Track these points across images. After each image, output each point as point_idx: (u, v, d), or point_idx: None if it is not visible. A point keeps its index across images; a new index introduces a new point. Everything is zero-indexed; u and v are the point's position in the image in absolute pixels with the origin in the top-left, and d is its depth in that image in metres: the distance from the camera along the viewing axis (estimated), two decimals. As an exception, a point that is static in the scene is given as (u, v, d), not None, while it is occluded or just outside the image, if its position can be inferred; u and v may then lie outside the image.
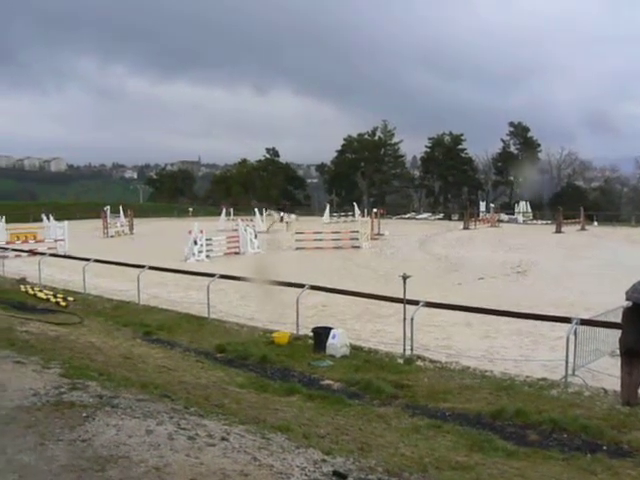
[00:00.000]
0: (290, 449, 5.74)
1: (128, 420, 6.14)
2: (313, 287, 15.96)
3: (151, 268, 20.37)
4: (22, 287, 23.07)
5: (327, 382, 11.45)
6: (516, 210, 75.31)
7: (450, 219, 77.25)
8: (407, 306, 13.38)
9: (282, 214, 62.00)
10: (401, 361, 12.81)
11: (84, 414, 6.22)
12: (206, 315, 17.31)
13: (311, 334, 14.19)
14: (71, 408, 6.42)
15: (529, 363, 12.50)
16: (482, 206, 74.91)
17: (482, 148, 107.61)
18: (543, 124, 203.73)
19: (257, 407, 8.57)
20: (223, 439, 5.81)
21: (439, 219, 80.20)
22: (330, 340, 13.35)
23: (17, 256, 31.98)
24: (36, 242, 37.86)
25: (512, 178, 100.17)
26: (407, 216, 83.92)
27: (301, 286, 15.92)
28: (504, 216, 72.24)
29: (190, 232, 34.29)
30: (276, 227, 54.57)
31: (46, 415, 6.18)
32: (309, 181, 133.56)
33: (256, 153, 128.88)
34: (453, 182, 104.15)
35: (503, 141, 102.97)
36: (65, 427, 5.82)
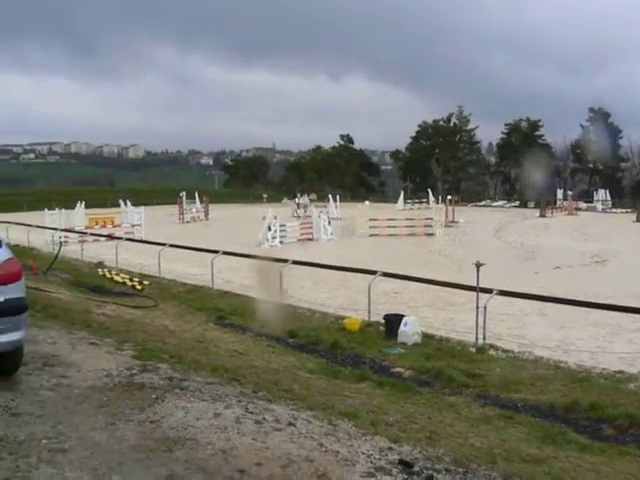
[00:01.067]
0: (357, 436, 5.70)
1: (197, 403, 6.20)
2: (385, 274, 15.87)
3: (225, 253, 20.59)
4: (100, 271, 23.61)
5: (398, 370, 11.36)
6: (595, 198, 73.62)
7: (526, 207, 75.85)
8: (480, 294, 13.19)
9: (298, 201, 59.10)
10: (473, 350, 12.65)
11: (154, 396, 6.31)
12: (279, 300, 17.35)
13: (383, 321, 14.13)
14: (141, 389, 6.52)
15: (606, 355, 12.20)
16: (559, 194, 73.29)
17: (560, 134, 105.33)
18: (625, 110, 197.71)
19: (326, 393, 8.55)
20: (290, 424, 5.81)
21: (515, 207, 78.97)
22: (402, 327, 13.26)
23: (95, 240, 32.71)
24: (114, 227, 38.67)
25: (591, 165, 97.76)
26: (482, 203, 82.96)
27: (373, 273, 15.86)
28: (582, 204, 70.69)
29: (264, 218, 34.52)
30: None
31: (117, 396, 6.28)
32: (383, 168, 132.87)
33: (330, 140, 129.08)
34: (530, 169, 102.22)
35: (582, 127, 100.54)
36: (135, 408, 5.90)
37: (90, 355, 8.11)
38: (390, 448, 5.41)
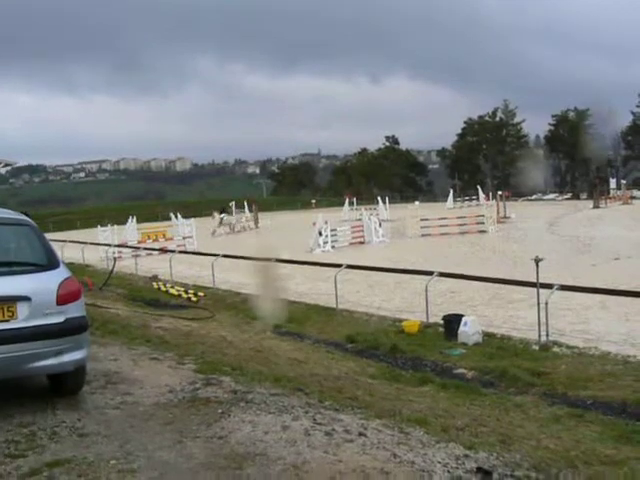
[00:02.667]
0: (430, 444, 5.53)
1: (263, 416, 6.09)
2: (442, 274, 15.65)
3: (278, 261, 20.52)
4: (155, 284, 23.77)
5: (460, 371, 11.15)
6: (650, 185, 72.11)
7: (578, 198, 74.72)
8: (540, 290, 12.89)
9: (222, 215, 54.63)
10: (536, 347, 12.35)
11: (219, 410, 6.23)
12: (334, 306, 17.23)
13: (441, 322, 13.92)
14: (207, 404, 6.44)
15: (676, 347, 11.80)
16: (612, 183, 71.90)
17: (610, 122, 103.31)
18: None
19: (390, 398, 8.40)
20: (360, 434, 5.67)
21: (567, 199, 77.82)
22: (461, 327, 13.03)
23: (149, 254, 32.98)
24: (166, 240, 39.03)
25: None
26: (533, 197, 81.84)
27: (430, 273, 15.66)
28: (637, 192, 69.24)
29: (314, 223, 34.48)
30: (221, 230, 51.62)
31: (182, 412, 6.22)
32: (430, 167, 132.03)
33: (376, 142, 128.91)
34: (580, 160, 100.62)
35: (633, 114, 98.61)
36: (202, 424, 5.82)
37: (152, 371, 8.08)
38: (466, 455, 5.24)
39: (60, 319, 6.27)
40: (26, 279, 6.31)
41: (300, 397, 7.07)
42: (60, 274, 6.54)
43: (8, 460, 5.14)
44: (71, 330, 6.33)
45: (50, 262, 6.64)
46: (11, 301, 6.07)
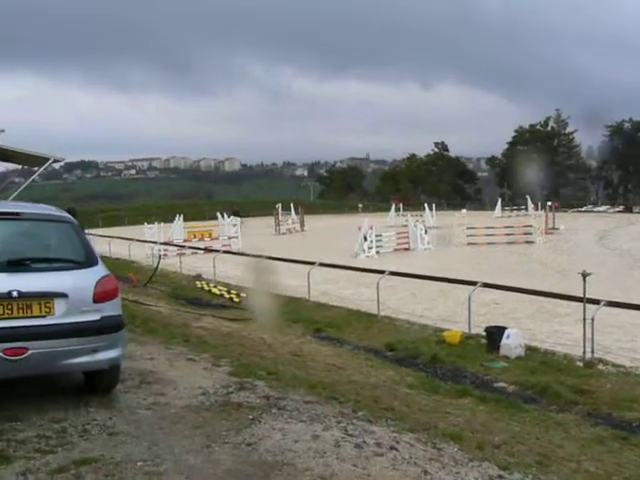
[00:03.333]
0: (463, 462, 5.38)
1: (294, 424, 6.00)
2: (486, 285, 15.40)
3: (321, 265, 20.44)
4: (198, 283, 23.88)
5: (501, 384, 10.93)
6: None
7: (631, 211, 73.40)
8: (587, 305, 12.59)
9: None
10: (581, 364, 12.06)
11: (250, 416, 6.15)
12: (376, 312, 17.09)
13: (484, 333, 13.69)
14: (238, 409, 6.38)
15: None
16: (667, 197, 70.46)
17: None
18: None
19: (427, 410, 8.25)
20: (392, 448, 5.54)
21: (618, 211, 76.46)
22: (504, 340, 12.79)
23: (194, 253, 33.14)
24: (211, 239, 39.22)
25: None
26: (583, 209, 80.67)
27: (473, 283, 15.43)
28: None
29: (359, 228, 34.33)
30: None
31: (213, 416, 6.16)
32: (479, 174, 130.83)
33: (425, 148, 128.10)
34: (634, 172, 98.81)
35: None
36: (231, 429, 5.76)
37: (187, 372, 8.06)
38: (500, 476, 5.08)
39: (96, 317, 6.28)
40: (64, 276, 6.33)
41: (334, 406, 6.96)
42: (98, 272, 6.55)
43: (38, 455, 5.17)
44: (107, 328, 6.33)
45: (88, 260, 6.65)
46: (48, 297, 6.09)
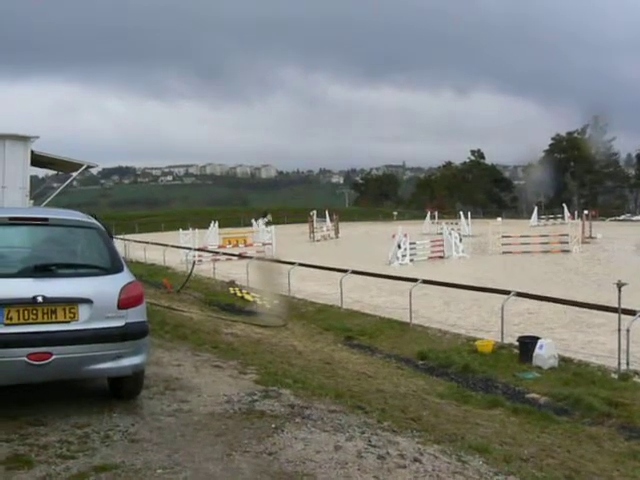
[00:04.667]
0: (488, 475, 5.26)
1: (317, 434, 5.92)
2: (519, 294, 15.21)
3: (354, 272, 20.36)
4: (231, 289, 23.95)
5: (533, 395, 10.77)
6: None
7: (671, 221, 72.19)
8: (622, 316, 12.36)
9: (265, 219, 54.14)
10: (615, 376, 11.82)
11: (273, 425, 6.09)
12: (408, 321, 16.96)
13: (516, 343, 13.51)
14: (261, 418, 6.32)
15: None
16: None
17: None
18: None
19: (456, 421, 8.13)
20: (415, 460, 5.43)
21: (658, 221, 75.28)
22: (537, 350, 12.60)
23: (228, 259, 33.23)
24: (246, 246, 39.31)
25: None
26: (621, 218, 79.54)
27: (506, 292, 15.25)
28: None
29: (393, 236, 34.19)
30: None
31: (236, 424, 6.10)
32: (516, 183, 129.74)
33: (461, 155, 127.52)
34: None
35: None
36: (253, 438, 5.70)
37: (212, 379, 8.02)
38: (525, 491, 4.97)
39: (120, 323, 6.27)
40: (89, 282, 6.34)
41: (359, 415, 6.87)
42: (123, 278, 6.54)
43: (59, 460, 5.15)
44: (131, 334, 6.32)
45: (114, 266, 6.65)
46: (73, 303, 6.10)
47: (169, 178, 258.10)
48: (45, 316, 5.97)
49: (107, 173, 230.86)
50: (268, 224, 49.93)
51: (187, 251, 32.88)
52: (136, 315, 6.44)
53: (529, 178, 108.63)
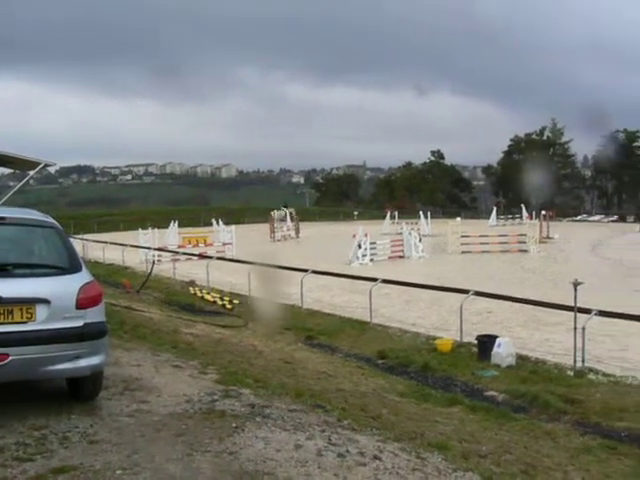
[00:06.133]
0: (447, 472, 5.32)
1: (278, 433, 5.93)
2: (478, 293, 15.39)
3: (314, 272, 20.39)
4: (191, 289, 23.83)
5: (491, 393, 10.90)
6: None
7: (625, 221, 73.43)
8: (578, 314, 12.56)
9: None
10: (571, 373, 12.02)
11: (234, 424, 6.08)
12: (368, 320, 17.05)
13: (475, 342, 13.65)
14: (222, 417, 6.31)
15: None
16: (661, 207, 70.43)
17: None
18: None
19: (416, 419, 8.20)
20: (375, 458, 5.47)
21: (613, 221, 76.53)
22: (495, 349, 12.76)
23: (188, 259, 33.07)
24: (206, 246, 39.12)
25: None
26: (578, 218, 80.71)
27: (465, 292, 15.42)
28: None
29: (354, 236, 34.29)
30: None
31: (196, 424, 6.09)
32: (475, 183, 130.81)
33: (421, 155, 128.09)
34: (628, 182, 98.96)
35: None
36: (214, 438, 5.69)
37: (172, 379, 7.98)
38: (483, 487, 5.03)
39: (79, 323, 6.21)
40: (47, 282, 6.26)
41: (319, 414, 6.90)
42: (81, 278, 6.48)
43: (15, 463, 5.08)
44: (89, 335, 6.26)
45: (72, 265, 6.58)
46: (30, 303, 6.02)
47: (128, 177, 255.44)
48: (2, 317, 5.88)
49: (65, 172, 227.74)
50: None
51: (147, 251, 32.71)
52: (94, 315, 6.38)
53: (488, 179, 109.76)
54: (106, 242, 37.51)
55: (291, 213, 56.25)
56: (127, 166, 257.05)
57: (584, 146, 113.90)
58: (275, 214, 54.75)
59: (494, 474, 5.52)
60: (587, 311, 12.59)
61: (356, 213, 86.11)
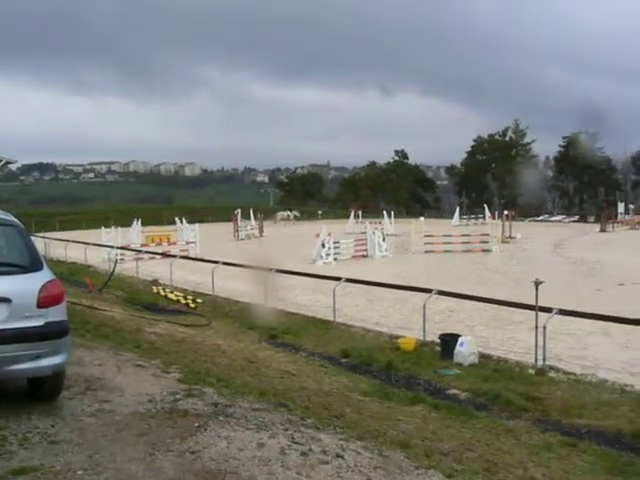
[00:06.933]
0: (409, 469, 5.36)
1: (240, 432, 5.93)
2: (441, 292, 15.48)
3: (278, 271, 20.36)
4: (154, 288, 23.65)
5: (453, 392, 10.99)
6: (658, 211, 71.73)
7: (586, 221, 74.25)
8: (539, 313, 12.71)
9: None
10: (532, 372, 12.16)
11: (196, 424, 6.06)
12: (332, 319, 17.08)
13: (438, 341, 13.74)
14: (184, 417, 6.28)
15: (676, 379, 11.56)
16: (620, 207, 71.43)
17: (621, 146, 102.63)
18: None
19: (379, 417, 8.24)
20: (338, 456, 5.50)
21: (574, 221, 77.40)
22: (458, 348, 12.86)
23: (151, 258, 32.82)
24: (169, 244, 38.83)
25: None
26: (540, 218, 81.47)
27: (428, 291, 15.50)
28: (645, 218, 68.90)
29: (318, 235, 34.29)
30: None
31: (159, 423, 6.06)
32: (439, 183, 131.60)
33: (385, 155, 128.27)
34: (589, 182, 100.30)
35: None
36: (176, 437, 5.67)
37: (135, 378, 7.94)
38: (445, 484, 5.08)
39: (40, 322, 6.15)
40: (7, 280, 6.19)
41: (282, 413, 6.90)
42: (43, 277, 6.41)
43: (-27, 465, 5.01)
44: (51, 334, 6.21)
45: (33, 264, 6.51)
46: None
47: (91, 175, 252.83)
48: None
49: (27, 169, 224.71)
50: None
51: (109, 249, 32.41)
52: (56, 314, 6.32)
53: (451, 179, 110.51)
54: (68, 241, 37.07)
55: (295, 215, 56.84)
56: (90, 164, 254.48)
57: (546, 147, 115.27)
58: (278, 215, 54.96)
59: (456, 471, 5.56)
60: (548, 310, 12.74)
61: (320, 212, 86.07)
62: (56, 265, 25.99)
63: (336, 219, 70.02)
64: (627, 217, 64.46)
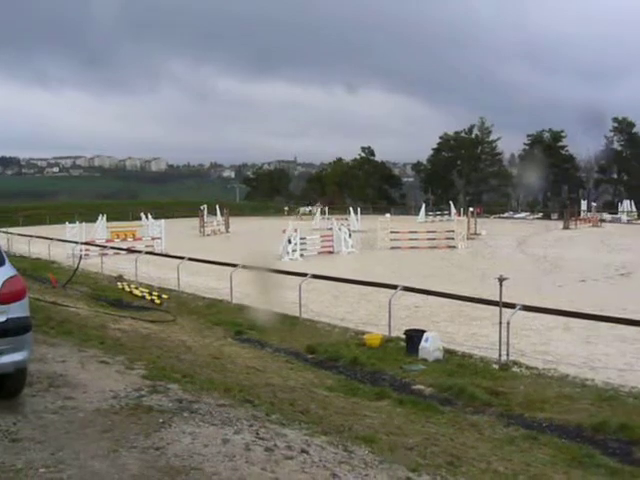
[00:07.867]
0: (373, 464, 5.39)
1: (205, 428, 5.92)
2: (406, 288, 15.55)
3: (244, 267, 20.31)
4: (119, 284, 23.49)
5: (418, 387, 11.05)
6: (620, 209, 72.73)
7: (549, 218, 75.02)
8: (503, 309, 12.83)
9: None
10: (496, 367, 12.28)
11: (161, 420, 6.04)
12: (298, 315, 17.08)
13: (403, 336, 13.81)
14: (149, 413, 6.26)
15: (635, 372, 11.75)
16: (583, 205, 72.32)
17: (584, 145, 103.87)
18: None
19: (344, 413, 8.26)
20: (302, 451, 5.51)
21: (538, 218, 78.19)
22: (423, 343, 12.93)
23: (116, 254, 32.59)
24: (134, 240, 38.56)
25: (615, 176, 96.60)
26: (505, 215, 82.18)
27: (394, 287, 15.56)
28: (607, 215, 69.84)
29: (284, 231, 34.27)
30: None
31: (123, 420, 6.03)
32: (405, 180, 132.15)
33: (352, 152, 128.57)
34: (553, 181, 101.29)
35: (606, 137, 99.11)
36: (140, 433, 5.64)
37: (99, 375, 7.89)
38: (408, 478, 5.11)
39: (1, 319, 6.08)
40: None
41: (247, 409, 6.90)
42: (4, 273, 6.34)
43: None
44: (12, 330, 6.14)
45: None
46: None
47: (55, 170, 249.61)
48: None
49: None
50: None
51: (74, 245, 32.08)
52: (18, 310, 6.25)
53: (418, 175, 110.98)
54: (32, 236, 36.69)
55: (311, 211, 57.43)
56: (54, 158, 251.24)
57: (511, 145, 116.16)
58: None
59: (420, 466, 5.60)
60: (512, 306, 12.87)
61: (286, 208, 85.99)
62: (19, 261, 25.69)
63: (303, 215, 70.04)
64: (589, 215, 65.20)
